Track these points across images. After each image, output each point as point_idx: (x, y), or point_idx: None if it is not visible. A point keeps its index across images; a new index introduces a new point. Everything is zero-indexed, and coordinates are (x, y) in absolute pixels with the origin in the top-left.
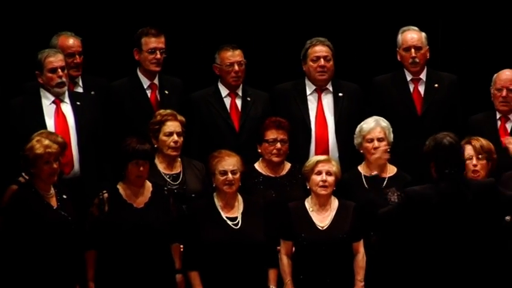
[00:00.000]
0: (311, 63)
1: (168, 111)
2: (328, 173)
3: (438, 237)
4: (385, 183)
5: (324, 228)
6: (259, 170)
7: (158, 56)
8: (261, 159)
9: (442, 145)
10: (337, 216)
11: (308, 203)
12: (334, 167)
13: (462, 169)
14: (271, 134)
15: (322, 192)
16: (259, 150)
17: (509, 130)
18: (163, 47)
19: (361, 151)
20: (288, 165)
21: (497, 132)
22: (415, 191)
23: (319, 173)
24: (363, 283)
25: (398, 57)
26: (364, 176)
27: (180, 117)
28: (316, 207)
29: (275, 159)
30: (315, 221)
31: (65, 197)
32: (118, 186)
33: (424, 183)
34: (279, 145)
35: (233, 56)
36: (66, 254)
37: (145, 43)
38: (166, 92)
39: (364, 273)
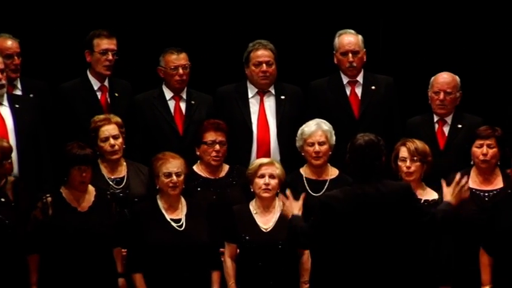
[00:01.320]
0: (253, 67)
1: (102, 116)
2: (271, 176)
3: (354, 239)
4: (326, 185)
5: (268, 230)
6: (198, 172)
7: (110, 57)
8: (199, 161)
9: (356, 145)
10: (281, 218)
11: (252, 206)
12: (277, 169)
13: (378, 170)
14: (209, 136)
15: (265, 195)
16: (198, 153)
17: (446, 133)
18: (115, 48)
19: (303, 154)
20: (226, 167)
21: (435, 135)
22: (327, 196)
23: (262, 176)
24: (307, 285)
25: (335, 61)
26: (306, 178)
27: (115, 119)
28: (260, 209)
29: (213, 163)
30: (259, 223)
31: (3, 200)
32: (61, 190)
33: None
34: (217, 147)
35: (177, 59)
36: (5, 258)
37: (97, 44)
38: (117, 94)
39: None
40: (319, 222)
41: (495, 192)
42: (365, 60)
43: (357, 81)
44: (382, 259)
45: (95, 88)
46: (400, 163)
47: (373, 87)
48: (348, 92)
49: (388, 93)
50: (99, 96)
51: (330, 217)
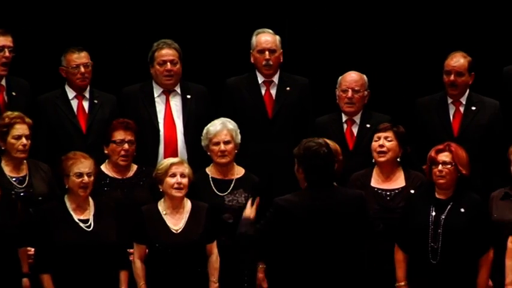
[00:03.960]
0: (158, 66)
1: (16, 113)
2: (182, 175)
3: (305, 244)
4: (232, 184)
5: (178, 231)
6: (106, 172)
7: (7, 54)
8: (107, 161)
9: (316, 155)
10: (190, 218)
11: (161, 206)
12: (187, 169)
13: (331, 178)
14: (118, 135)
15: (178, 194)
16: (106, 152)
17: (355, 133)
18: (10, 45)
19: (209, 153)
20: (134, 167)
21: (344, 135)
22: (282, 199)
23: (174, 175)
24: (217, 284)
25: (252, 59)
26: (212, 177)
27: (27, 120)
28: (170, 210)
29: (122, 163)
30: (168, 224)
31: None
32: None
33: (272, 185)
34: (126, 146)
35: (79, 58)
36: None
37: None
38: (14, 93)
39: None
40: (271, 225)
41: (397, 191)
42: (281, 60)
43: (272, 81)
44: (331, 264)
45: None
46: None
47: (288, 88)
48: (263, 92)
49: (303, 95)
50: None
51: (283, 220)
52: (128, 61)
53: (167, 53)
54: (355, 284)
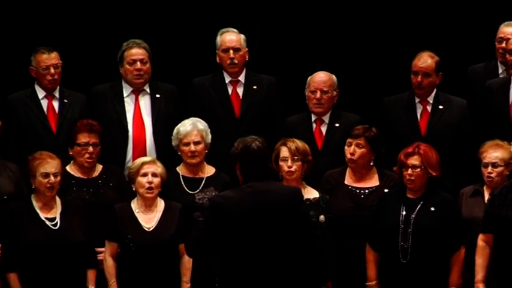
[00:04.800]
0: (127, 66)
1: None
2: (154, 175)
3: (241, 240)
4: (203, 183)
5: (151, 229)
6: (71, 172)
7: None
8: (72, 161)
9: (249, 149)
10: (163, 217)
11: (134, 205)
12: (159, 168)
13: (267, 173)
14: (83, 138)
15: (149, 195)
16: (71, 153)
17: (324, 133)
18: None
19: (179, 153)
20: (99, 167)
21: (313, 135)
22: (218, 196)
23: (145, 174)
24: (189, 284)
25: (218, 59)
26: (182, 176)
27: None
28: (142, 208)
29: (87, 164)
30: (141, 222)
31: None
32: None
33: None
34: (91, 149)
35: (49, 58)
36: None
37: None
38: None
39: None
40: (210, 223)
41: (371, 190)
42: (247, 59)
43: (239, 80)
44: (270, 260)
45: None
46: (281, 163)
47: (255, 87)
48: (230, 91)
49: (270, 93)
50: None
51: (220, 217)
52: (97, 60)
53: (137, 52)
54: (295, 279)
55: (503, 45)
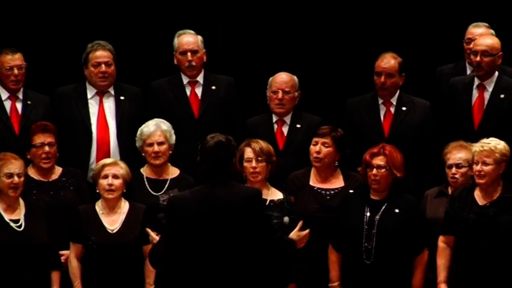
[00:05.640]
0: (92, 68)
1: None
2: (115, 176)
3: (199, 239)
4: (167, 184)
5: (114, 231)
6: (31, 175)
7: None
8: (31, 164)
9: (206, 147)
10: (127, 219)
11: (98, 206)
12: (122, 169)
13: (228, 172)
14: (38, 139)
15: (109, 196)
16: (29, 156)
17: (285, 133)
18: None
19: (143, 154)
20: (59, 170)
21: (274, 135)
22: (175, 197)
23: (106, 176)
24: (153, 286)
25: (175, 61)
26: (146, 177)
27: None
28: (106, 210)
29: (44, 165)
30: (105, 224)
31: None
32: None
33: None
34: (47, 148)
35: (12, 59)
36: None
37: None
38: None
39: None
40: (169, 224)
41: (336, 190)
42: (205, 60)
43: (197, 81)
44: (223, 262)
45: None
46: (245, 164)
47: (213, 87)
48: (188, 92)
49: (229, 93)
50: None
51: (177, 217)
52: (61, 62)
53: (101, 54)
54: (251, 282)
55: (471, 46)
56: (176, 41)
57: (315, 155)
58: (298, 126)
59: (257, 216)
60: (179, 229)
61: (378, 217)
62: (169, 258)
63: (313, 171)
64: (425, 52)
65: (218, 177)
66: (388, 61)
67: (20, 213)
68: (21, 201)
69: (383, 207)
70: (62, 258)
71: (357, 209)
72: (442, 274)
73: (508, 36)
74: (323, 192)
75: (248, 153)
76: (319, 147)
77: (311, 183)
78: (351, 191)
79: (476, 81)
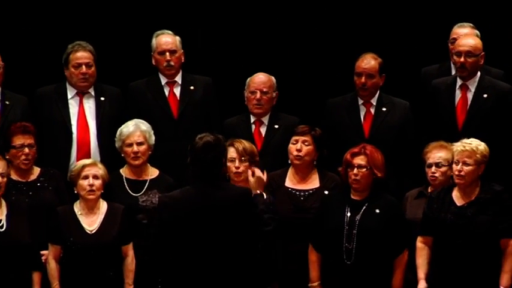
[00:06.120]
0: (73, 69)
1: None
2: (95, 177)
3: (190, 239)
4: (146, 185)
5: (93, 231)
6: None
7: None
8: (9, 164)
9: (196, 147)
10: (105, 219)
11: (76, 207)
12: (100, 170)
13: (218, 172)
14: (17, 140)
15: (90, 197)
16: (8, 157)
17: (263, 134)
18: None
19: (122, 155)
20: (37, 170)
21: (252, 136)
22: (166, 196)
23: (86, 177)
24: (132, 286)
25: (154, 62)
26: (126, 178)
27: None
28: (85, 211)
29: (23, 167)
30: (83, 224)
31: None
32: None
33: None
34: (26, 150)
35: None
36: None
37: None
38: None
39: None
40: (160, 224)
41: (311, 192)
42: (183, 60)
43: (176, 81)
44: (214, 260)
45: None
46: (228, 164)
47: (191, 88)
48: (167, 93)
49: (207, 94)
50: None
51: (168, 217)
52: (40, 62)
53: (82, 55)
54: (241, 280)
55: (454, 47)
56: (154, 41)
57: (295, 153)
58: (276, 126)
59: (246, 215)
60: (170, 229)
61: (358, 217)
62: (160, 258)
63: (290, 172)
64: (410, 52)
65: (208, 177)
66: (369, 62)
67: (2, 214)
68: (3, 202)
69: (364, 208)
70: (42, 258)
71: (338, 209)
72: (421, 271)
73: (492, 37)
74: (297, 193)
75: (231, 153)
76: (300, 145)
77: (286, 184)
78: (326, 192)
79: (459, 82)
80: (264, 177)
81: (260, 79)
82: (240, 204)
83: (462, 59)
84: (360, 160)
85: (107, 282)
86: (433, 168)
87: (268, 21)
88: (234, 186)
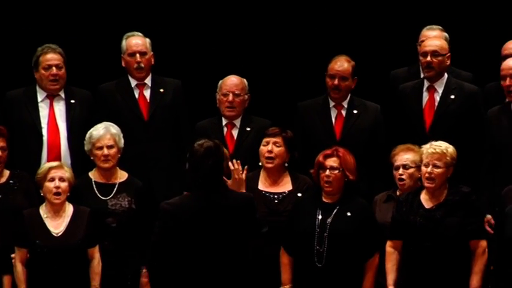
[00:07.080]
0: (43, 71)
1: None
2: (61, 179)
3: (191, 247)
4: (115, 188)
5: (59, 235)
6: None
7: None
8: None
9: (196, 154)
10: (71, 222)
11: (42, 210)
12: (67, 172)
13: (219, 177)
14: None
15: (56, 201)
16: None
17: (235, 137)
18: None
19: (92, 158)
20: (7, 173)
21: (224, 139)
22: (168, 203)
23: (52, 179)
24: None
25: (123, 63)
26: (95, 181)
27: None
28: (51, 214)
29: None
30: (49, 227)
31: None
32: None
33: (152, 187)
34: None
35: None
36: None
37: None
38: None
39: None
40: (162, 232)
41: (284, 194)
42: (153, 62)
43: (145, 83)
44: (220, 265)
45: None
46: None
47: (161, 90)
48: (137, 95)
49: (176, 96)
50: None
51: (171, 224)
52: (9, 65)
53: (52, 57)
54: (240, 285)
55: (421, 47)
56: (124, 43)
57: (266, 154)
58: (248, 129)
59: (249, 220)
60: (175, 236)
61: (329, 220)
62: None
63: (262, 175)
64: (379, 55)
65: (210, 183)
66: (342, 64)
67: None
68: None
69: (335, 210)
70: (12, 261)
71: (309, 212)
72: (390, 277)
73: (461, 39)
74: (271, 196)
75: None
76: (271, 147)
77: (259, 187)
78: (299, 194)
79: (426, 84)
80: (244, 176)
81: (232, 81)
82: (244, 210)
83: (428, 59)
84: (332, 162)
85: (73, 285)
86: (401, 170)
87: (240, 24)
88: (235, 192)
